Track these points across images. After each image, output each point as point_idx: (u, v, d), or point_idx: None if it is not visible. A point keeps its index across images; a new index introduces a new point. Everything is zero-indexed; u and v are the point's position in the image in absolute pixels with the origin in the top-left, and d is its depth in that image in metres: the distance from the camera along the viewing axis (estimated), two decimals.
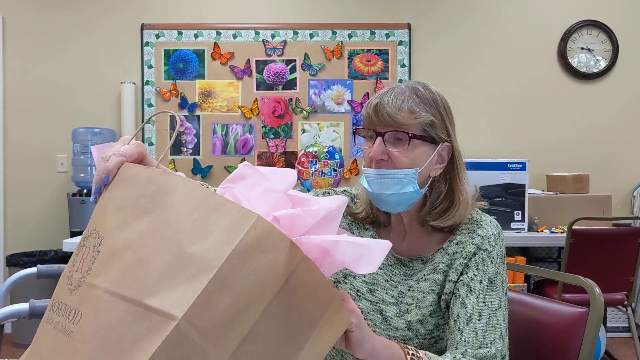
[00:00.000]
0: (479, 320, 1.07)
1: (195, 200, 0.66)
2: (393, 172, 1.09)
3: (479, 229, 1.16)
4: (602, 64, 4.09)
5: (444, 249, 1.17)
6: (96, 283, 0.63)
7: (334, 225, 0.76)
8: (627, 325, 3.99)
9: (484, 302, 1.09)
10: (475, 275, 1.11)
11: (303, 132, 4.13)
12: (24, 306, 1.13)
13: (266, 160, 4.11)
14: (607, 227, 3.29)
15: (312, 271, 0.70)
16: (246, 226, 0.62)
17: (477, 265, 1.12)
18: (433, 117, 1.11)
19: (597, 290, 1.21)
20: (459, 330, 1.07)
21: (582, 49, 4.10)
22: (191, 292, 0.58)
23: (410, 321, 1.14)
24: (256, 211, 0.65)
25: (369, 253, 0.72)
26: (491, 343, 1.05)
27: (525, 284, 3.33)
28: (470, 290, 1.10)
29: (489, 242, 1.14)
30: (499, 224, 1.20)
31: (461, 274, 1.13)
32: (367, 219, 1.24)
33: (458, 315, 1.09)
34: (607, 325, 3.91)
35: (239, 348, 0.62)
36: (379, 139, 1.10)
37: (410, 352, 0.96)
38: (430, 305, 1.14)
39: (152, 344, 0.56)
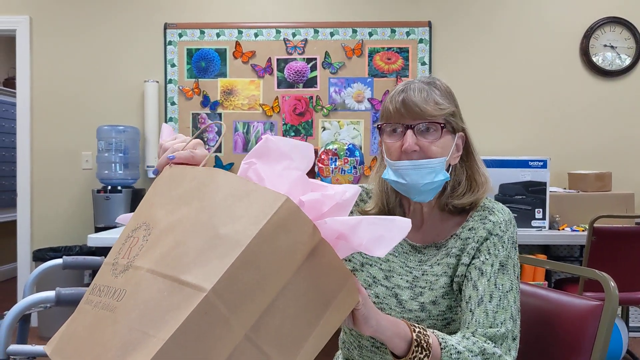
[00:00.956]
0: (489, 301, 1.10)
1: (230, 188, 0.73)
2: (427, 162, 1.14)
3: (490, 215, 1.20)
4: (626, 61, 4.05)
5: (457, 235, 1.20)
6: (140, 265, 0.71)
7: (345, 213, 0.80)
8: None
9: (495, 285, 1.12)
10: (487, 259, 1.14)
11: (323, 130, 4.16)
12: (50, 294, 1.18)
13: None
14: (629, 226, 3.26)
15: (329, 253, 0.76)
16: (274, 207, 0.68)
17: (489, 250, 1.15)
18: (454, 107, 1.18)
19: (612, 283, 1.22)
20: (470, 311, 1.10)
21: (605, 46, 4.05)
22: (220, 268, 0.64)
23: (423, 302, 1.17)
24: (277, 190, 0.71)
25: (389, 234, 0.77)
26: (501, 323, 1.08)
27: (546, 282, 3.32)
28: (482, 273, 1.13)
29: (500, 227, 1.17)
30: (510, 212, 1.23)
31: (473, 257, 1.16)
32: (381, 215, 1.27)
33: (470, 297, 1.12)
34: (630, 324, 3.87)
35: (259, 320, 0.68)
36: (410, 131, 1.14)
37: (417, 329, 1.00)
38: (443, 287, 1.17)
39: (183, 312, 0.62)
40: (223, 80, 4.16)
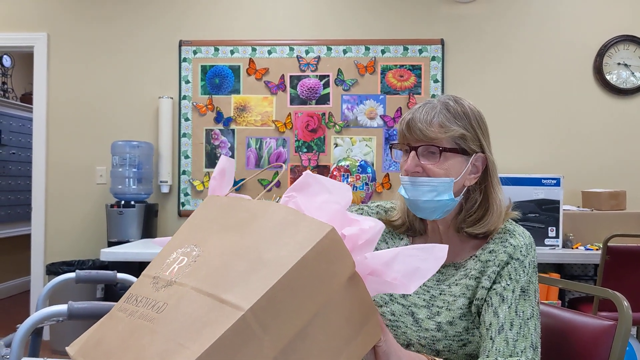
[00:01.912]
0: (510, 329, 1.10)
1: (279, 218, 0.77)
2: (427, 180, 1.16)
3: (511, 238, 1.19)
4: None
5: (476, 256, 1.20)
6: (186, 282, 0.74)
7: (371, 248, 0.82)
8: None
9: (516, 312, 1.12)
10: (508, 285, 1.14)
11: (336, 146, 4.17)
12: (62, 307, 1.19)
13: (299, 173, 4.16)
14: None
15: (361, 287, 0.79)
16: (319, 235, 0.72)
17: (510, 275, 1.15)
18: (464, 130, 1.16)
19: (626, 303, 1.21)
20: (491, 339, 1.10)
21: (619, 64, 4.05)
22: (260, 289, 0.67)
23: (440, 322, 1.17)
24: None
25: (425, 265, 0.79)
26: (522, 352, 1.08)
27: (559, 301, 3.28)
28: (503, 299, 1.13)
29: (520, 251, 1.17)
30: (531, 235, 1.22)
31: (494, 282, 1.15)
32: (403, 227, 1.29)
33: (490, 324, 1.11)
34: None
35: (289, 344, 0.70)
36: (413, 152, 1.17)
37: None
38: (461, 308, 1.17)
39: (220, 328, 0.65)
40: (236, 97, 4.20)
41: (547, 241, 3.36)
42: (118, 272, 1.81)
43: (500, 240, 1.19)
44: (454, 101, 1.19)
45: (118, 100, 4.25)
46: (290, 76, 4.18)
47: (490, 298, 1.14)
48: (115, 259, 3.30)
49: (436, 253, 0.80)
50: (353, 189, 3.68)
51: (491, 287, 1.15)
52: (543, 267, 3.66)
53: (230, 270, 0.71)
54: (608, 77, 4.05)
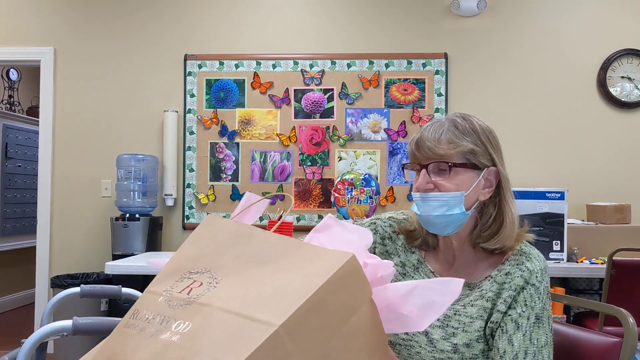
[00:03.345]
0: (524, 358, 1.11)
1: (301, 250, 0.82)
2: (437, 195, 1.17)
3: (527, 261, 1.19)
4: None
5: (492, 277, 1.20)
6: (209, 303, 0.76)
7: (387, 282, 0.88)
8: None
9: (530, 340, 1.12)
10: (524, 312, 1.14)
11: (340, 160, 4.18)
12: (67, 323, 1.19)
13: (303, 187, 4.16)
14: None
15: (375, 314, 0.83)
16: (343, 261, 0.77)
17: (525, 301, 1.15)
18: (473, 145, 1.18)
19: (631, 320, 1.20)
20: None
21: (623, 77, 4.05)
22: (290, 308, 0.71)
23: (456, 344, 1.17)
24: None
25: (441, 298, 0.83)
26: None
27: (564, 316, 3.27)
28: (518, 327, 1.13)
29: (536, 277, 1.17)
30: (544, 259, 1.23)
31: (509, 307, 1.16)
32: (418, 240, 1.30)
33: (505, 351, 1.12)
34: None
35: None
36: (423, 170, 1.18)
37: None
38: (478, 330, 1.17)
39: (255, 342, 0.67)
40: (241, 111, 4.22)
41: (551, 255, 3.36)
42: (123, 286, 1.81)
43: (516, 262, 1.20)
44: (461, 118, 1.21)
45: (124, 114, 4.28)
46: (295, 90, 4.21)
47: (505, 324, 1.14)
48: (119, 272, 3.30)
49: (452, 287, 0.83)
50: (357, 202, 3.68)
51: (506, 312, 1.15)
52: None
53: (257, 294, 0.74)
54: (612, 90, 4.05)
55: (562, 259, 3.35)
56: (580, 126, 4.10)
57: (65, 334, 1.23)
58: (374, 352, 0.82)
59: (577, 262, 3.42)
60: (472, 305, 1.19)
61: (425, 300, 0.83)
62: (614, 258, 2.89)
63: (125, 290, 1.63)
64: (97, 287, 1.59)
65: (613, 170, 4.07)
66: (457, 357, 1.16)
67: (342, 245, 0.87)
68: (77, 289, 1.60)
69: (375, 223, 1.35)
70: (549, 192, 3.40)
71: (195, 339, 0.71)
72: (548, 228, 3.36)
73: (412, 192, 1.22)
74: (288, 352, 0.69)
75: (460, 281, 0.83)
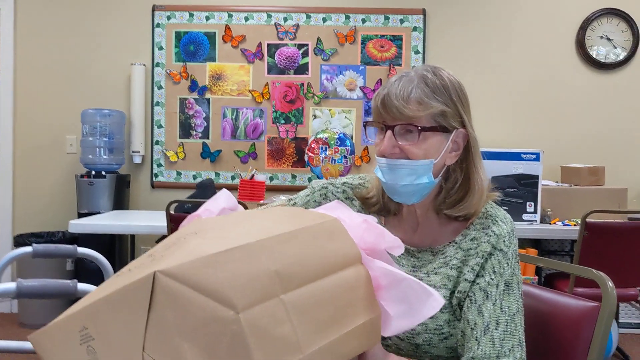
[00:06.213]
0: (496, 328, 1.04)
1: (293, 213, 0.86)
2: (407, 163, 1.07)
3: (494, 225, 1.12)
4: (622, 54, 3.99)
5: (456, 243, 1.13)
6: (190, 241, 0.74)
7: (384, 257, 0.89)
8: (639, 321, 3.91)
9: (501, 308, 1.05)
10: (492, 280, 1.07)
11: (314, 118, 4.07)
12: (11, 286, 1.10)
13: (276, 145, 4.06)
14: (622, 221, 3.21)
15: (367, 282, 0.82)
16: (324, 219, 0.84)
17: (494, 268, 1.08)
18: (444, 105, 1.07)
19: (610, 283, 1.15)
20: (476, 339, 1.04)
21: (602, 37, 3.99)
22: (266, 234, 0.73)
23: None
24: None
25: (417, 307, 0.82)
26: (509, 351, 1.02)
27: (536, 277, 3.27)
28: (487, 296, 1.06)
29: (504, 241, 1.10)
30: (512, 219, 1.16)
31: (477, 275, 1.09)
32: (377, 205, 1.20)
33: (475, 323, 1.05)
34: (620, 321, 3.84)
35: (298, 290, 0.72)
36: (389, 132, 1.07)
37: None
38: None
39: (224, 246, 0.68)
40: (212, 65, 4.06)
41: (525, 216, 3.34)
42: (87, 245, 1.72)
43: (482, 226, 1.12)
44: (432, 73, 1.09)
45: (89, 67, 4.09)
46: (268, 44, 4.06)
47: (474, 294, 1.07)
48: (84, 231, 3.20)
49: (431, 302, 0.81)
50: (331, 162, 3.60)
51: (474, 280, 1.08)
52: (521, 243, 3.63)
53: (240, 230, 0.74)
54: (590, 50, 3.99)
55: (535, 221, 3.34)
56: (557, 86, 4.05)
57: (10, 297, 1.14)
58: (360, 314, 0.78)
59: (550, 223, 3.41)
60: (435, 273, 1.12)
61: (403, 299, 0.81)
62: (587, 220, 2.87)
63: (81, 250, 1.53)
64: (51, 246, 1.49)
65: (588, 132, 4.04)
66: (420, 329, 1.09)
67: (351, 219, 0.88)
68: (29, 249, 1.50)
69: (326, 188, 1.25)
70: (524, 154, 3.36)
71: (168, 252, 0.69)
72: (522, 189, 3.33)
73: (376, 156, 1.12)
74: (263, 262, 0.68)
75: (441, 301, 0.81)
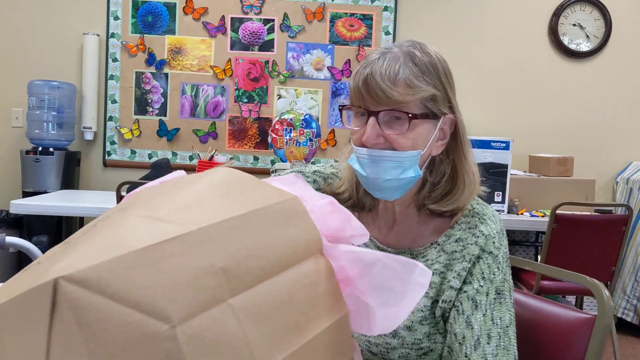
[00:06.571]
0: (488, 343, 0.90)
1: (226, 178, 0.66)
2: (393, 155, 0.91)
3: (481, 224, 0.98)
4: (594, 43, 3.92)
5: (439, 245, 0.99)
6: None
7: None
8: None
9: (492, 320, 0.92)
10: (481, 287, 0.94)
11: (279, 98, 3.89)
12: None
13: (238, 125, 3.87)
14: (590, 214, 3.16)
15: (329, 276, 0.66)
16: (283, 197, 0.66)
17: (483, 274, 0.95)
18: (434, 88, 0.93)
19: (606, 292, 1.03)
20: (466, 356, 0.90)
21: (574, 25, 3.91)
22: (207, 220, 0.59)
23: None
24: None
25: (402, 288, 0.64)
26: None
27: None
28: (476, 305, 0.93)
29: (493, 242, 0.97)
30: (500, 217, 1.03)
31: (464, 282, 0.95)
32: (350, 201, 1.04)
33: (463, 337, 0.91)
34: None
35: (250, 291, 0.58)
36: (372, 119, 0.90)
37: None
38: (421, 310, 0.96)
39: (158, 238, 0.54)
40: (171, 38, 3.82)
41: (492, 206, 3.23)
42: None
43: (468, 225, 0.99)
44: (420, 50, 0.94)
45: (37, 36, 3.81)
46: (232, 18, 3.84)
47: (461, 303, 0.94)
48: (28, 212, 2.97)
49: (417, 279, 0.63)
50: (296, 145, 3.44)
51: (461, 288, 0.95)
52: None
53: (173, 205, 0.59)
54: (563, 38, 3.91)
55: (503, 211, 3.28)
56: (529, 74, 3.97)
57: None
58: (325, 316, 0.64)
59: (518, 214, 3.34)
60: None
61: (381, 284, 0.63)
62: (557, 212, 2.80)
63: (10, 240, 1.34)
64: None
65: (558, 122, 3.98)
66: (396, 343, 0.96)
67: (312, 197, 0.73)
68: None
69: (296, 172, 1.09)
70: (494, 142, 3.28)
71: (84, 240, 0.55)
72: (491, 178, 3.24)
73: (353, 145, 0.95)
74: (206, 257, 0.54)
75: (427, 272, 0.63)
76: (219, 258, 0.54)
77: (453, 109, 0.97)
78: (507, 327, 0.93)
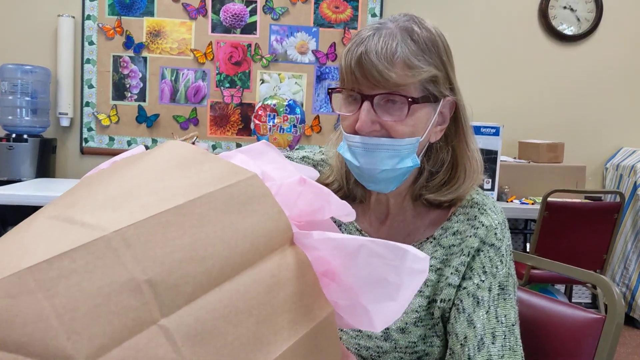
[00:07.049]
0: (492, 343, 0.82)
1: (181, 154, 0.55)
2: (390, 143, 0.81)
3: (481, 214, 0.89)
4: (585, 27, 3.84)
5: (435, 239, 0.89)
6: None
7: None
8: (590, 301, 3.86)
9: (497, 318, 0.83)
10: (483, 282, 0.85)
11: (262, 83, 3.77)
12: None
13: (220, 111, 3.74)
14: (580, 201, 3.11)
15: (305, 269, 0.54)
16: (239, 177, 0.54)
17: (484, 267, 0.86)
18: (436, 69, 0.82)
19: (617, 290, 0.95)
20: (469, 358, 0.82)
21: (565, 8, 3.83)
22: (137, 215, 0.49)
23: (388, 329, 0.87)
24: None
25: (396, 278, 0.52)
26: None
27: None
28: (478, 302, 0.84)
29: (495, 234, 0.88)
30: (501, 208, 0.93)
31: (463, 277, 0.86)
32: (340, 192, 0.94)
33: (465, 337, 0.83)
34: (572, 301, 3.78)
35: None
36: (367, 104, 0.80)
37: None
38: (416, 311, 0.87)
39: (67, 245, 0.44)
40: (150, 20, 3.67)
41: None
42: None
43: (466, 217, 0.90)
44: (418, 25, 0.83)
45: (9, 17, 3.64)
46: None
47: (461, 301, 0.85)
48: (1, 202, 2.84)
49: (411, 265, 0.51)
50: (279, 131, 3.33)
51: (460, 284, 0.86)
52: None
53: (98, 198, 0.49)
54: (553, 21, 3.83)
55: (493, 198, 3.20)
56: (518, 58, 3.88)
57: None
58: (301, 322, 0.52)
59: (507, 201, 3.28)
60: None
61: (370, 275, 0.52)
62: (548, 200, 2.74)
63: None
64: None
65: (548, 108, 3.91)
66: (389, 347, 0.87)
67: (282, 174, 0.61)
68: None
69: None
70: (484, 127, 3.21)
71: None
72: None
73: (344, 132, 0.84)
74: (123, 268, 0.43)
75: (423, 256, 0.51)
76: (142, 268, 0.43)
77: (454, 91, 0.88)
78: (513, 325, 0.85)
